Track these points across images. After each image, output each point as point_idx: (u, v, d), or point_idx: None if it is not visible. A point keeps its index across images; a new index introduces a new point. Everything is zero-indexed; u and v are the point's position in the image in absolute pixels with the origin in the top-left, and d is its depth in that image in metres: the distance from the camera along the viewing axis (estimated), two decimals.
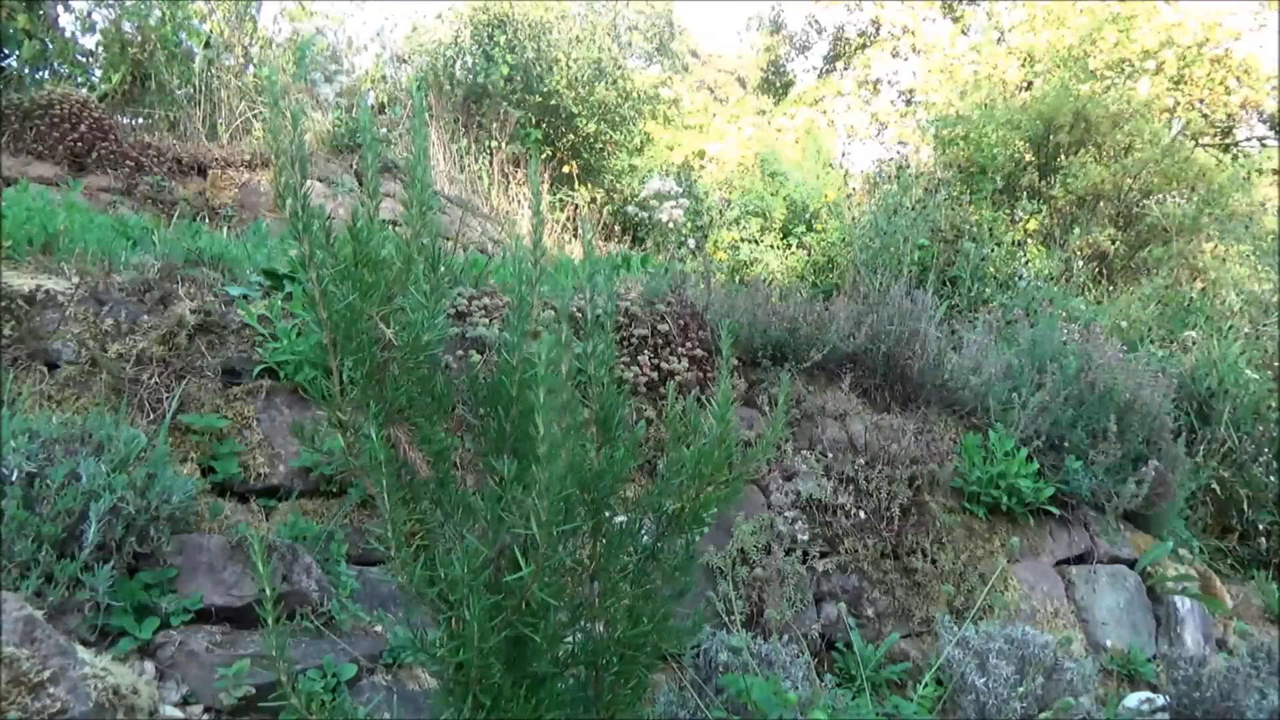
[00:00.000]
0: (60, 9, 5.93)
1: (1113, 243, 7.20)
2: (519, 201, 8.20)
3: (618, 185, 9.10)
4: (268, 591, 1.15)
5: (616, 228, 8.79)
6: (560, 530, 1.06)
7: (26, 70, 5.83)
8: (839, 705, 2.28)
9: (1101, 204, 7.32)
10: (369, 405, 1.17)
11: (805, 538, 2.92)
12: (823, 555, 2.97)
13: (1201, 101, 9.62)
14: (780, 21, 17.30)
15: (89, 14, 6.00)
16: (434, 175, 7.11)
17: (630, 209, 8.25)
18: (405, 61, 8.86)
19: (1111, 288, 6.87)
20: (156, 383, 2.36)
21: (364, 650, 2.04)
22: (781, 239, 7.54)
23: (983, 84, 10.02)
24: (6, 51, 5.69)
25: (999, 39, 11.36)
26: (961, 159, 7.52)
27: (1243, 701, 2.36)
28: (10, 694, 1.33)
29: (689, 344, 3.21)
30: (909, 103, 12.82)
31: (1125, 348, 4.06)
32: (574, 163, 8.81)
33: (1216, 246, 7.20)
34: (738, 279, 6.12)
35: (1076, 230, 6.94)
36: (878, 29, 14.54)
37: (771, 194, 7.91)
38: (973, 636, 2.59)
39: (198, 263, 2.90)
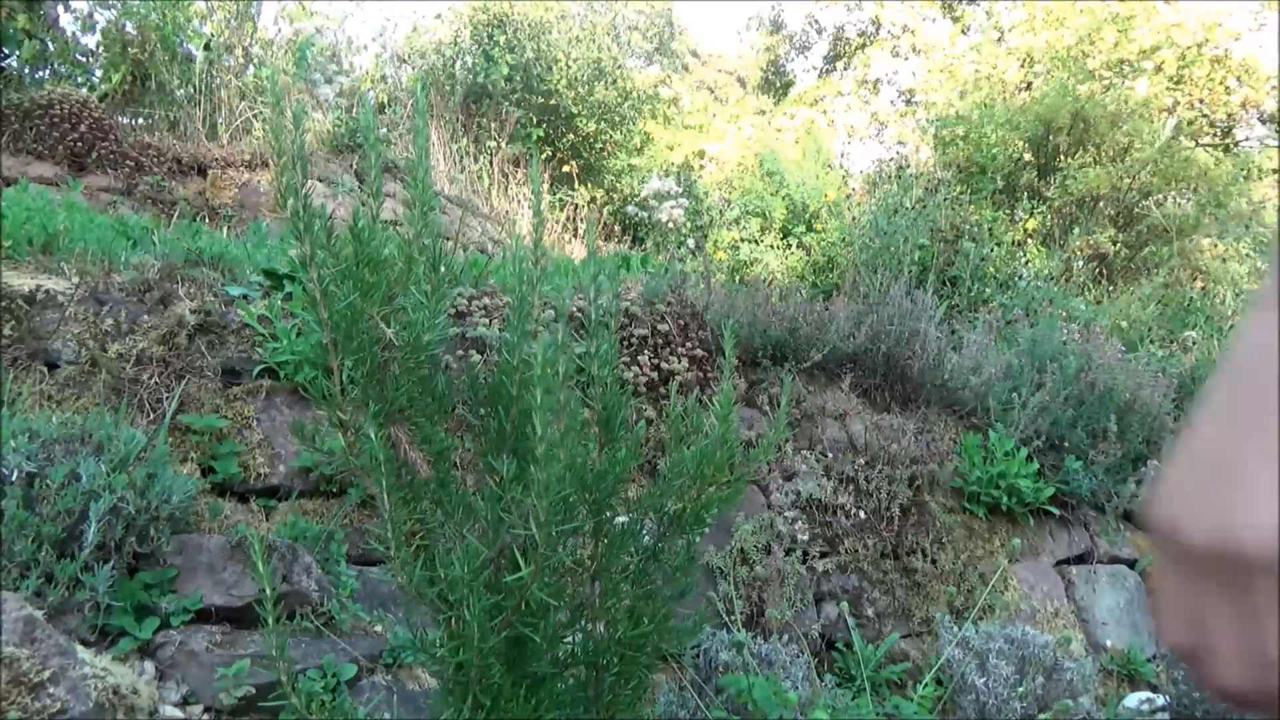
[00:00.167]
0: (60, 9, 5.93)
1: (1113, 243, 7.21)
2: (519, 201, 8.20)
3: (618, 185, 9.11)
4: (268, 591, 1.15)
5: (616, 228, 8.79)
6: (559, 530, 1.06)
7: (26, 70, 5.83)
8: (839, 705, 2.28)
9: (1101, 204, 7.33)
10: (369, 405, 1.17)
11: (805, 538, 2.92)
12: (823, 555, 2.97)
13: (1201, 101, 9.62)
14: (780, 21, 17.32)
15: (89, 14, 6.00)
16: (434, 175, 7.11)
17: (630, 209, 8.25)
18: (405, 61, 8.87)
19: (1111, 288, 6.87)
20: (156, 383, 2.36)
21: (364, 650, 2.04)
22: (781, 239, 7.53)
23: (982, 84, 10.02)
24: (6, 51, 5.69)
25: (999, 39, 11.36)
26: (961, 159, 7.52)
27: None
28: (10, 694, 1.33)
29: (689, 344, 3.21)
30: (909, 103, 12.82)
31: (1125, 348, 4.06)
32: (574, 162, 8.82)
33: (1216, 246, 7.20)
34: (738, 279, 6.12)
35: (1076, 230, 6.94)
36: (878, 29, 14.56)
37: (771, 194, 7.91)
38: (973, 636, 2.59)
39: (198, 263, 2.91)
